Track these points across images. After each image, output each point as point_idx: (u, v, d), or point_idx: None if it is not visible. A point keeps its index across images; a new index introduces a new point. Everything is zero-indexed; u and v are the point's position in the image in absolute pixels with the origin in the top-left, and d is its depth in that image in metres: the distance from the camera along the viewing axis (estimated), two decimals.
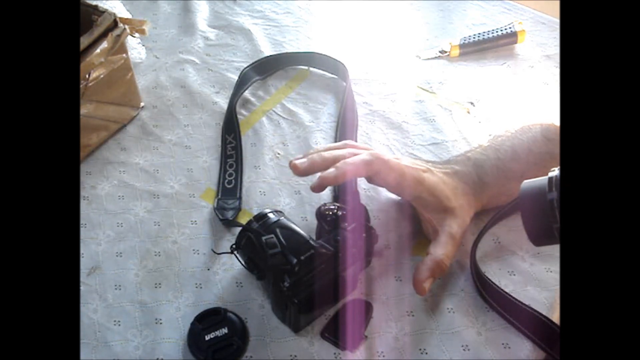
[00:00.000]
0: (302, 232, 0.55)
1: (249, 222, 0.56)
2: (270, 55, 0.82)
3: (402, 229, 0.63)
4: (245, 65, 0.81)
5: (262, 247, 0.52)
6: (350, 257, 0.54)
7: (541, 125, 0.64)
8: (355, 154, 0.56)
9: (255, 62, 0.81)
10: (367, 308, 0.56)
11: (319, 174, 0.54)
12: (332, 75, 0.80)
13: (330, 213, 0.57)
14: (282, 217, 0.56)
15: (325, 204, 0.58)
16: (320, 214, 0.57)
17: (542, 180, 0.44)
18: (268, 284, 0.54)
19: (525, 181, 0.46)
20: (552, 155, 0.61)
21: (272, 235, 0.53)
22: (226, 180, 0.67)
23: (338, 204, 0.58)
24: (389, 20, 0.90)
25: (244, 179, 0.68)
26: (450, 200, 0.57)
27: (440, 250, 0.55)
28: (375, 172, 0.56)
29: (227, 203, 0.65)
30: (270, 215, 0.56)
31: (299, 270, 0.51)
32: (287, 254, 0.52)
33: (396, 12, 0.92)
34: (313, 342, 0.54)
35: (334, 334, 0.54)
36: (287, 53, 0.83)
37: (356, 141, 0.72)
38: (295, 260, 0.51)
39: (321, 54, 0.81)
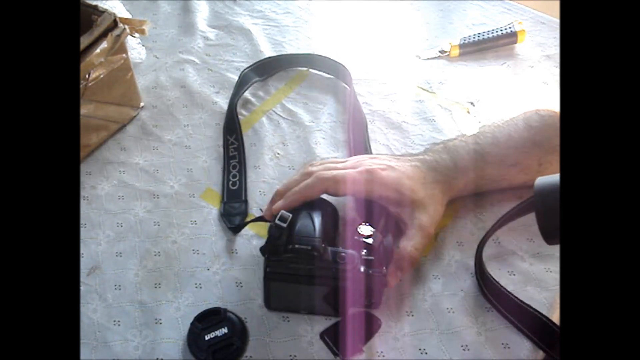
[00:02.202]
0: (319, 228, 0.54)
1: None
2: (270, 57, 0.82)
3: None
4: (245, 66, 0.81)
5: (275, 217, 0.53)
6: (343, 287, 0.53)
7: (524, 114, 0.64)
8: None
9: (255, 63, 0.81)
10: (373, 323, 0.55)
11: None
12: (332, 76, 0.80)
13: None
14: (320, 210, 0.56)
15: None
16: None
17: (556, 177, 0.44)
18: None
19: (540, 177, 0.46)
20: (533, 141, 0.61)
21: (290, 215, 0.53)
22: (230, 182, 0.67)
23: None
24: (389, 20, 0.90)
25: (248, 179, 0.68)
26: (416, 192, 0.57)
27: (409, 242, 0.56)
28: (324, 191, 0.57)
29: (233, 207, 0.64)
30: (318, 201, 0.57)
31: (284, 253, 0.52)
32: (291, 234, 0.52)
33: (396, 12, 0.92)
34: (313, 343, 0.54)
35: (333, 339, 0.54)
36: (287, 55, 0.83)
37: (369, 141, 0.71)
38: (290, 246, 0.52)
39: (322, 55, 0.81)
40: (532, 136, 0.61)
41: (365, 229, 0.54)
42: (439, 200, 0.59)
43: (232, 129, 0.73)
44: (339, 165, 0.59)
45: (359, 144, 0.71)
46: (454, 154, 0.61)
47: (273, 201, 0.59)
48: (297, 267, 0.52)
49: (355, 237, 0.54)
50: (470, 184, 0.61)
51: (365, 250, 0.53)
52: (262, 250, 0.54)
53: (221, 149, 0.71)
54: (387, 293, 0.57)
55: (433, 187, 0.59)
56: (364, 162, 0.60)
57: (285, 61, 0.82)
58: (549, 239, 0.45)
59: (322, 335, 0.54)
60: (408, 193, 0.57)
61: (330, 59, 0.80)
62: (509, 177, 0.61)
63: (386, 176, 0.57)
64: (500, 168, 0.61)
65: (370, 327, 0.55)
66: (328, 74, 0.81)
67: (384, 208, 0.59)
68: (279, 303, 0.56)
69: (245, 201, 0.65)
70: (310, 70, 0.81)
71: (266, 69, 0.81)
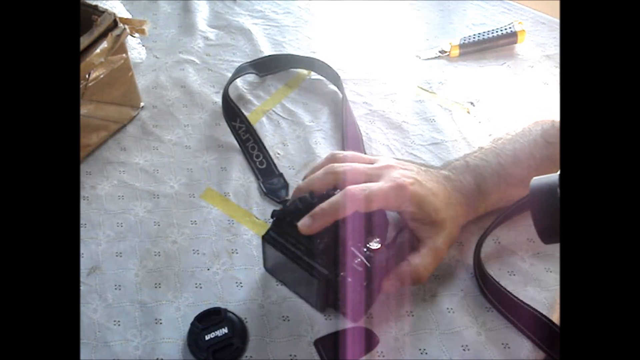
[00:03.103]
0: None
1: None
2: (269, 55, 0.82)
3: (402, 229, 0.63)
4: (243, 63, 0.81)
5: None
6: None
7: (542, 127, 0.63)
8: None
9: (253, 60, 0.81)
10: (373, 341, 0.54)
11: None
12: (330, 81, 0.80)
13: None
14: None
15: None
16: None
17: (552, 177, 0.44)
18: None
19: (535, 178, 0.45)
20: (552, 159, 0.61)
21: (315, 200, 0.54)
22: (257, 162, 0.68)
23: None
24: (389, 20, 0.90)
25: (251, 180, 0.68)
26: (440, 212, 0.55)
27: (417, 260, 0.55)
28: (355, 210, 0.54)
29: (273, 184, 0.66)
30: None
31: (287, 225, 0.53)
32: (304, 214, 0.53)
33: (396, 12, 0.92)
34: (312, 343, 0.54)
35: (327, 350, 0.53)
36: (285, 54, 0.83)
37: (364, 152, 0.70)
38: (294, 221, 0.53)
39: (321, 60, 0.80)
40: (551, 154, 0.61)
41: (375, 244, 0.53)
42: (458, 223, 0.58)
43: (233, 115, 0.73)
44: (367, 171, 0.56)
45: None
46: (478, 177, 0.59)
47: (316, 219, 0.53)
48: (295, 243, 0.53)
49: (364, 249, 0.53)
50: (490, 206, 0.60)
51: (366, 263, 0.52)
52: (273, 213, 0.55)
53: (221, 149, 0.71)
54: (387, 294, 0.57)
55: (456, 209, 0.57)
56: (391, 171, 0.56)
57: (284, 61, 0.82)
58: (545, 238, 0.45)
59: (317, 343, 0.54)
60: (431, 213, 0.55)
61: (328, 65, 0.79)
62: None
63: (413, 192, 0.55)
64: (520, 188, 0.59)
65: (368, 344, 0.54)
66: (325, 78, 0.80)
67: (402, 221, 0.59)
68: (271, 268, 0.58)
69: (281, 175, 0.67)
70: (311, 70, 0.81)
71: (265, 67, 0.81)
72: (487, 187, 0.59)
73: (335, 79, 0.78)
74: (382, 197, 0.54)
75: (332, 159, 0.59)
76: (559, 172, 0.43)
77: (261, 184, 0.67)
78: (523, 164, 0.60)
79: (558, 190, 0.42)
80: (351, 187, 0.53)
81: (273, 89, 0.79)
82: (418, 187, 0.55)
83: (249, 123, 0.73)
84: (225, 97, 0.75)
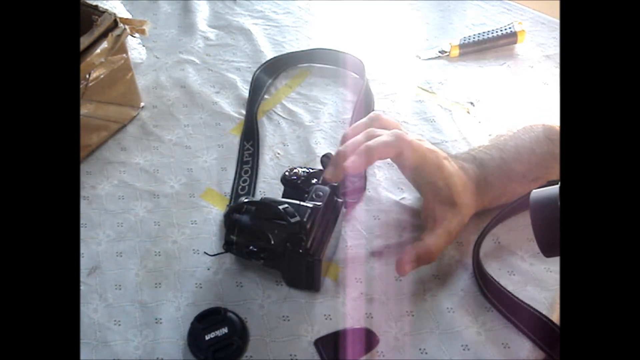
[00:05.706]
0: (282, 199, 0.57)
1: (232, 213, 0.56)
2: (281, 55, 0.82)
3: (402, 229, 0.63)
4: (245, 66, 0.81)
5: (282, 216, 0.53)
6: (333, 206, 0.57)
7: (543, 126, 0.64)
8: (378, 134, 0.55)
9: (265, 63, 0.81)
10: (373, 341, 0.54)
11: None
12: (355, 75, 0.80)
13: (296, 177, 0.58)
14: (250, 197, 0.58)
15: (289, 170, 0.59)
16: (287, 180, 0.58)
17: (553, 189, 0.44)
18: (279, 258, 0.55)
19: (535, 190, 0.45)
20: (553, 155, 0.61)
21: (286, 205, 0.54)
22: (240, 187, 0.67)
23: (305, 167, 0.59)
24: (389, 20, 0.90)
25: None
26: (459, 196, 0.57)
27: (433, 240, 0.56)
28: (398, 154, 0.54)
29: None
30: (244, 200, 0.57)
31: (309, 229, 0.53)
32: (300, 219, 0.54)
33: (396, 12, 0.92)
34: (312, 343, 0.54)
35: (327, 350, 0.53)
36: (300, 52, 0.83)
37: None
38: (308, 225, 0.53)
39: (335, 50, 0.81)
40: (552, 150, 0.61)
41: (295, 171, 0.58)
42: (468, 211, 0.59)
43: (250, 136, 0.72)
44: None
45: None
46: (484, 169, 0.60)
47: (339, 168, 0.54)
48: (318, 228, 0.55)
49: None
50: (494, 200, 0.61)
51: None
52: (296, 251, 0.54)
53: (221, 149, 0.71)
54: (386, 293, 0.57)
55: (468, 196, 0.58)
56: (425, 142, 0.57)
57: (293, 59, 0.82)
58: (547, 251, 0.45)
59: (317, 343, 0.54)
60: (454, 193, 0.56)
61: (346, 53, 0.80)
62: (529, 191, 0.61)
63: (446, 166, 0.56)
64: (523, 183, 0.60)
65: (368, 344, 0.54)
66: (342, 68, 0.81)
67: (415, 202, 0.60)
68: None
69: None
70: (311, 70, 0.81)
71: (275, 68, 0.81)
72: (492, 180, 0.60)
73: (349, 64, 0.79)
74: (422, 153, 0.55)
75: (375, 117, 0.59)
76: (559, 185, 0.43)
77: (228, 206, 0.64)
78: (524, 160, 0.61)
79: (559, 203, 0.42)
80: (400, 132, 0.55)
81: (273, 89, 0.79)
82: (449, 163, 0.57)
83: (258, 149, 0.71)
84: (251, 116, 0.74)
